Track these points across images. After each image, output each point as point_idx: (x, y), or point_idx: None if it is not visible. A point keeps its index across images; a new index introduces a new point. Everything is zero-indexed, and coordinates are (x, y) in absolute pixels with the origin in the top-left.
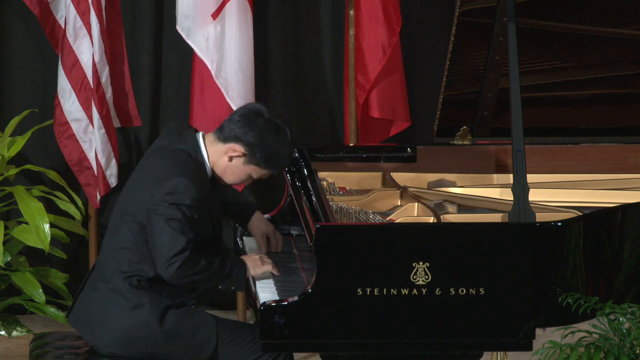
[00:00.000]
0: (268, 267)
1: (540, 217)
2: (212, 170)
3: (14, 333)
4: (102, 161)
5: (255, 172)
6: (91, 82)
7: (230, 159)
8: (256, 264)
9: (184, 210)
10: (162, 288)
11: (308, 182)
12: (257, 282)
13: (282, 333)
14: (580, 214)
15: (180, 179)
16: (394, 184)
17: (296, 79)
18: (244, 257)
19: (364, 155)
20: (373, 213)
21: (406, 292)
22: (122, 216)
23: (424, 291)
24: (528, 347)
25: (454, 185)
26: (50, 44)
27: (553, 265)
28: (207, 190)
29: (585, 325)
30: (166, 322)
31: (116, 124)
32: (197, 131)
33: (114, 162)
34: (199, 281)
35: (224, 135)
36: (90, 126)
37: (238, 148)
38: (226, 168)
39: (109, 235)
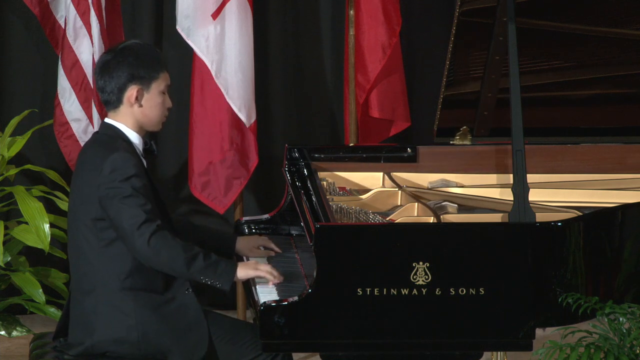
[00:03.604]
0: (261, 273)
1: (540, 217)
2: (143, 135)
3: (14, 333)
4: None
5: (161, 84)
6: (91, 82)
7: (138, 103)
8: (247, 267)
9: (133, 181)
10: (148, 282)
11: (308, 182)
12: (257, 283)
13: (282, 333)
14: (580, 214)
15: (114, 155)
16: (394, 184)
17: (296, 79)
18: (239, 263)
19: (364, 155)
20: (373, 213)
21: (406, 292)
22: (77, 221)
23: (424, 291)
24: (528, 347)
25: (454, 185)
26: (50, 44)
27: (553, 265)
28: (142, 164)
29: (585, 325)
30: (157, 322)
31: None
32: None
33: None
34: (177, 260)
35: (112, 100)
36: (90, 126)
37: (130, 91)
38: (144, 112)
39: (73, 247)
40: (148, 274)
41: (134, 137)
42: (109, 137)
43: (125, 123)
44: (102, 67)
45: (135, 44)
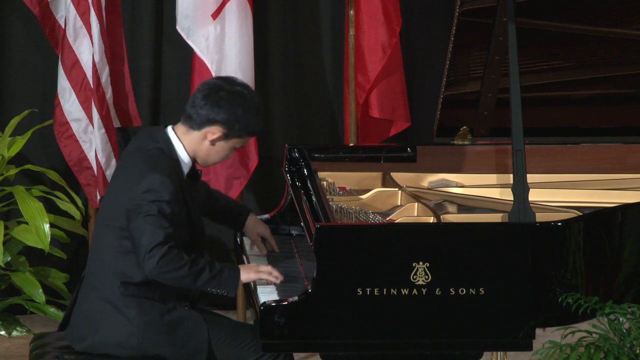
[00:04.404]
0: (263, 275)
1: (540, 217)
2: (194, 160)
3: (14, 333)
4: (102, 161)
5: (238, 143)
6: (91, 82)
7: (212, 142)
8: (249, 270)
9: (163, 206)
10: (153, 292)
11: (308, 182)
12: (257, 283)
13: (282, 333)
14: (580, 214)
15: (155, 175)
16: (394, 184)
17: (296, 79)
18: (240, 266)
19: (364, 155)
20: (373, 213)
21: (406, 292)
22: (104, 223)
23: (424, 291)
24: (528, 347)
25: (454, 185)
26: (50, 44)
27: (553, 265)
28: (184, 186)
29: (585, 325)
30: (158, 329)
31: (116, 124)
32: (167, 127)
33: (114, 162)
34: (184, 278)
35: (195, 122)
36: (90, 126)
37: (215, 130)
38: (209, 151)
39: (95, 244)
40: (154, 286)
41: (186, 159)
42: (159, 152)
43: (186, 145)
44: (211, 91)
45: (251, 97)
